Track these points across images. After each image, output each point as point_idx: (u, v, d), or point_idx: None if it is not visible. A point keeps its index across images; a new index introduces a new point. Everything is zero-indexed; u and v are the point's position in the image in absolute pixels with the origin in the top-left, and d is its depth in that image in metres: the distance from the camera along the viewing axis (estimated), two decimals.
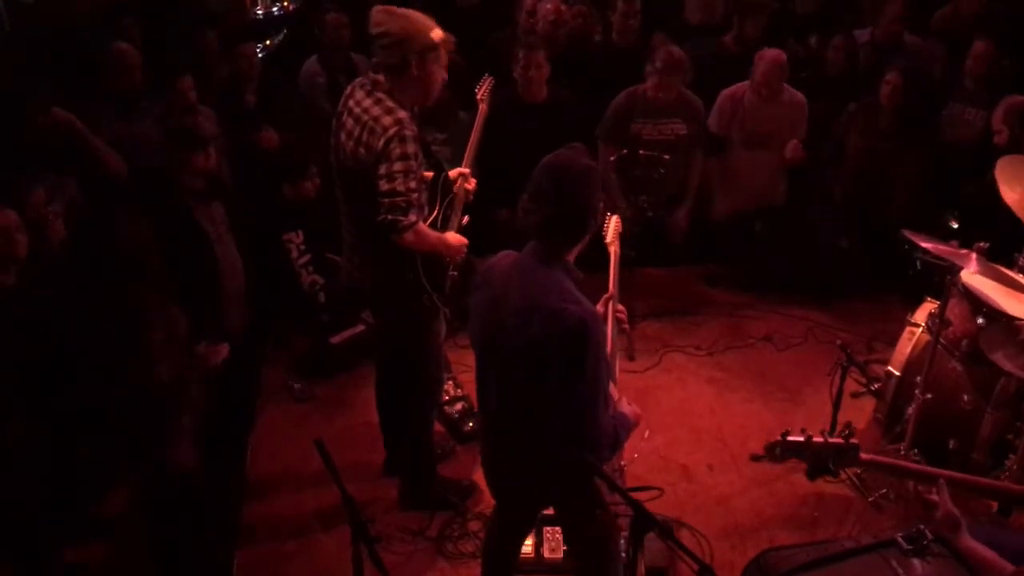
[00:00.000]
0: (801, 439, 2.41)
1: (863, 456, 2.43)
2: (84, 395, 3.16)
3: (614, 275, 3.03)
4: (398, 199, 2.93)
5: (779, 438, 2.43)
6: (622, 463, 2.75)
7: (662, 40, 5.14)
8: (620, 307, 2.90)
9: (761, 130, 5.02)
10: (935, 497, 2.30)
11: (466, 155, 3.55)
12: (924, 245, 3.45)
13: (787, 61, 4.92)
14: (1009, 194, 3.64)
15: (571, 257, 2.41)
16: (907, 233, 3.47)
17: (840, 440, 2.40)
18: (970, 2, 5.57)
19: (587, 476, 2.45)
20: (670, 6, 5.92)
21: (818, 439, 2.40)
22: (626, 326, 2.95)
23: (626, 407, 2.55)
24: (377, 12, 2.99)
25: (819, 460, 2.41)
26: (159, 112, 4.40)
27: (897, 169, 4.95)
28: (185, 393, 3.41)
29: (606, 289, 2.90)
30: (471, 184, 3.45)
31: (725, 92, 5.05)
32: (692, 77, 5.04)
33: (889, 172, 4.96)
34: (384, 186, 2.94)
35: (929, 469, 2.50)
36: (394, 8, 2.98)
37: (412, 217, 2.98)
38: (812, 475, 2.43)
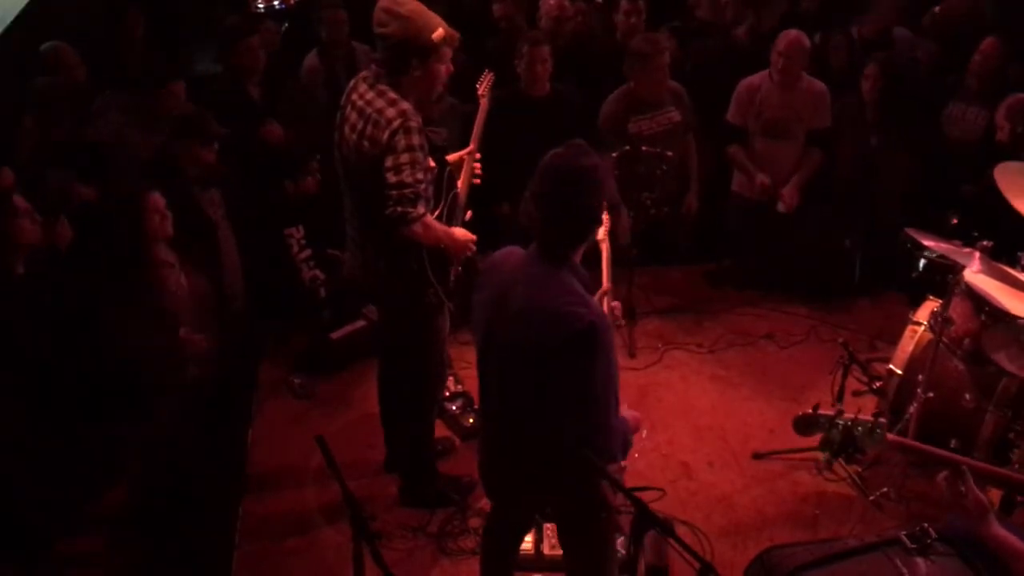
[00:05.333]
0: (831, 413, 2.42)
1: (890, 437, 2.43)
2: (85, 379, 3.17)
3: (607, 270, 3.03)
4: (406, 191, 2.92)
5: (810, 411, 2.43)
6: (623, 463, 2.74)
7: (665, 37, 5.12)
8: (615, 303, 2.89)
9: (778, 118, 4.92)
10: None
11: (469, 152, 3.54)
12: (927, 243, 3.44)
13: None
14: (1020, 203, 3.60)
15: (577, 256, 2.39)
16: (911, 231, 3.45)
17: (869, 419, 2.41)
18: (960, 1, 5.58)
19: (591, 477, 2.44)
20: (676, 3, 5.91)
21: (848, 415, 2.40)
22: (621, 322, 2.95)
23: (625, 411, 2.54)
24: (380, 11, 2.97)
25: (846, 437, 2.42)
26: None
27: (887, 165, 4.93)
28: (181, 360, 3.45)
29: (600, 285, 2.89)
30: (477, 168, 3.46)
31: (743, 82, 4.99)
32: (705, 73, 5.02)
33: (879, 168, 4.94)
34: (392, 179, 2.92)
35: (955, 456, 2.48)
36: (396, 5, 2.95)
37: (420, 208, 2.97)
38: (836, 453, 2.44)
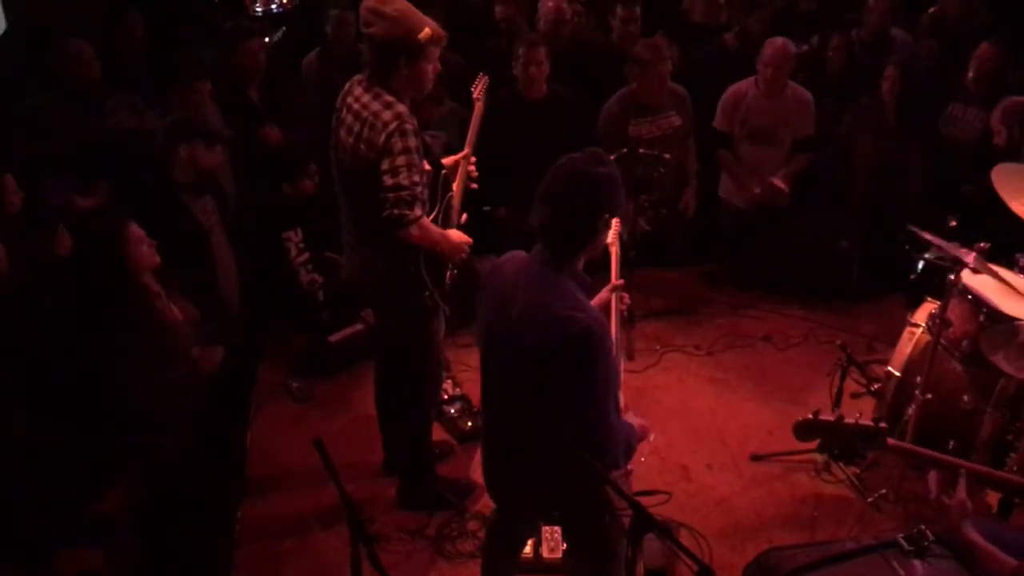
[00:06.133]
0: (832, 419, 2.42)
1: (890, 441, 2.44)
2: (85, 391, 3.15)
3: (616, 270, 3.04)
4: (403, 193, 2.92)
5: (811, 416, 2.44)
6: (628, 467, 2.74)
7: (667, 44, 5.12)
8: (626, 296, 2.89)
9: (764, 125, 4.98)
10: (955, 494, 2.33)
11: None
12: (929, 238, 3.45)
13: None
14: (1017, 205, 3.61)
15: (580, 263, 2.39)
16: (914, 229, 3.46)
17: (869, 423, 2.42)
18: (953, 2, 5.59)
19: (594, 480, 2.44)
20: (671, 7, 5.92)
21: (849, 420, 2.42)
22: (625, 308, 2.94)
23: (633, 418, 2.55)
24: (365, 11, 2.96)
25: (847, 441, 2.43)
26: (164, 107, 4.40)
27: (906, 167, 4.94)
28: (186, 389, 3.42)
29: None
30: (472, 170, 3.46)
31: (730, 89, 5.04)
32: (695, 78, 5.03)
33: (899, 170, 4.95)
34: (388, 181, 2.92)
35: (952, 459, 2.51)
36: (382, 6, 2.93)
37: (417, 211, 2.96)
38: (838, 457, 2.44)
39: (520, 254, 2.46)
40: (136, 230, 3.34)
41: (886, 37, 5.44)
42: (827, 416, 2.45)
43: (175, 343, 3.41)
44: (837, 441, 2.46)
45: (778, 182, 4.98)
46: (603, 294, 2.87)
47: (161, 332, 3.34)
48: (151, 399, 3.23)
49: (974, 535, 2.29)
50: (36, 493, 3.05)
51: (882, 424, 2.43)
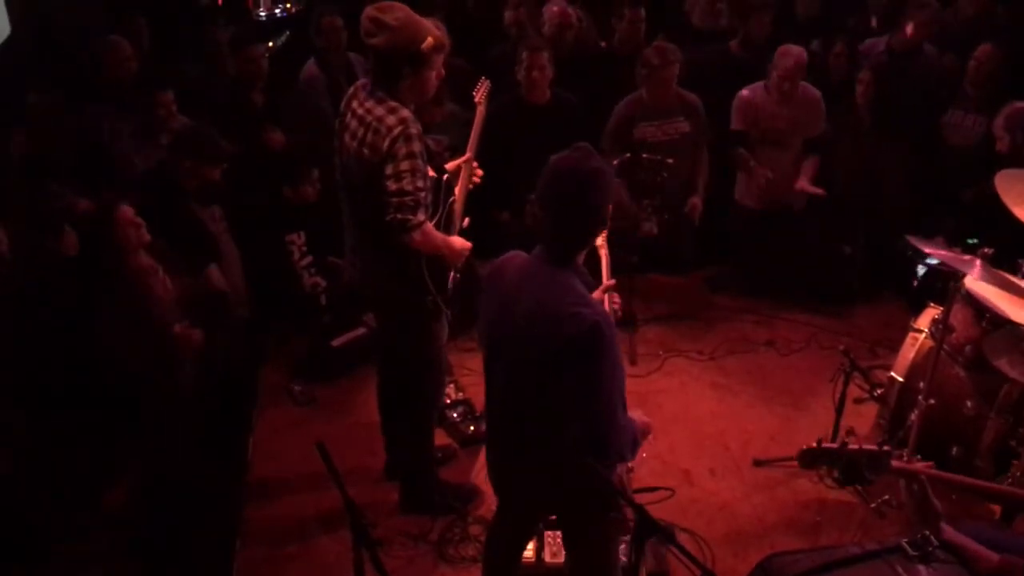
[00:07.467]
0: (835, 446, 2.41)
1: (894, 463, 2.43)
2: (85, 384, 3.16)
3: (607, 271, 3.04)
4: (406, 198, 2.92)
5: (814, 444, 2.43)
6: (629, 466, 2.74)
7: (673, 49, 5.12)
8: (616, 298, 2.89)
9: (777, 129, 4.97)
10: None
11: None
12: (928, 251, 3.44)
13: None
14: (1021, 211, 3.60)
15: (581, 258, 2.39)
16: (912, 239, 3.46)
17: (874, 447, 2.41)
18: (966, 6, 5.58)
19: (594, 479, 2.44)
20: (672, 11, 5.93)
21: (853, 446, 2.40)
22: (617, 308, 2.95)
23: (634, 413, 2.54)
24: (367, 20, 2.93)
25: (853, 467, 2.42)
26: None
27: (881, 170, 4.94)
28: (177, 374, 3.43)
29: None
30: (478, 174, 3.45)
31: (740, 94, 5.02)
32: (698, 83, 5.04)
33: (874, 173, 4.96)
34: (392, 186, 2.92)
35: (957, 477, 2.50)
36: (383, 15, 2.90)
37: (420, 216, 2.96)
38: (845, 483, 2.44)
39: (520, 254, 2.46)
40: (126, 211, 3.36)
41: (919, 49, 5.35)
42: (830, 443, 2.45)
43: (156, 313, 3.43)
44: (843, 467, 2.45)
45: (809, 188, 4.96)
46: (596, 294, 2.87)
47: (148, 304, 3.36)
48: (139, 369, 3.25)
49: (952, 534, 2.31)
50: (36, 493, 3.05)
51: (886, 447, 2.42)
